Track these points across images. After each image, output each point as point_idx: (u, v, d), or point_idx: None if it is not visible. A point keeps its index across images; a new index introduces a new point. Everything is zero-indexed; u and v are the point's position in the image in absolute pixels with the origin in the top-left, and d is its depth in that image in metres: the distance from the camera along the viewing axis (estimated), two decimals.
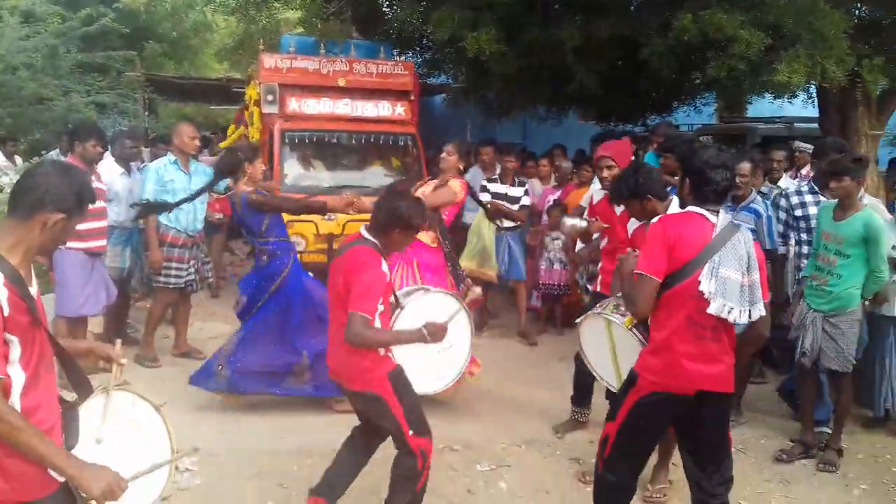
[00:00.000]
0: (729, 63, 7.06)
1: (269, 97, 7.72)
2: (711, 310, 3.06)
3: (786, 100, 9.03)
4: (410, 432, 3.45)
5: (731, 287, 3.07)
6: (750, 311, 3.13)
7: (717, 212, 3.21)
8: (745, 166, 5.04)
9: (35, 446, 2.04)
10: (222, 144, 10.31)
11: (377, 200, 3.57)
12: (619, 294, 3.58)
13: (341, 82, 7.95)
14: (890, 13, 7.10)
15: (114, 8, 15.90)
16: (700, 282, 3.06)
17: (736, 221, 3.34)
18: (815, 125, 9.66)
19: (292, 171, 7.72)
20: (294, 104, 7.78)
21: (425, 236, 5.25)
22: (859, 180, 4.74)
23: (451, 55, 9.74)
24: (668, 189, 4.31)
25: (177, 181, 6.11)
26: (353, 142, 7.80)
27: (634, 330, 3.51)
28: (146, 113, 14.46)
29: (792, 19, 6.81)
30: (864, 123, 8.03)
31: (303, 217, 6.95)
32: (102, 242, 5.77)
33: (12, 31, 11.22)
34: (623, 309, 3.62)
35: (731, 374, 3.24)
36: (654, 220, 3.40)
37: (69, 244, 5.36)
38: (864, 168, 5.06)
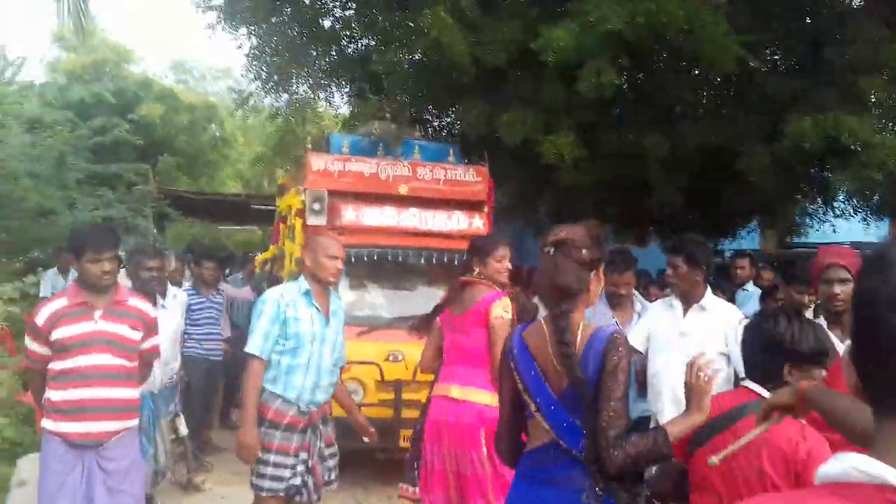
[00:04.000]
0: (863, 173, 5.93)
1: (316, 206, 6.20)
2: None
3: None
4: None
5: None
6: None
7: None
8: None
9: None
10: (259, 259, 8.97)
11: None
12: None
13: (402, 189, 6.52)
14: None
15: (129, 119, 15.07)
16: None
17: None
18: None
19: (345, 296, 6.16)
20: (350, 214, 6.28)
21: None
22: None
23: (521, 161, 8.63)
24: None
25: (303, 322, 3.82)
26: (423, 261, 6.30)
27: None
28: (155, 230, 13.34)
29: None
30: None
31: (361, 357, 5.54)
32: (104, 426, 3.50)
33: (15, 138, 10.08)
34: None
35: None
36: None
37: (44, 422, 3.53)
38: None
